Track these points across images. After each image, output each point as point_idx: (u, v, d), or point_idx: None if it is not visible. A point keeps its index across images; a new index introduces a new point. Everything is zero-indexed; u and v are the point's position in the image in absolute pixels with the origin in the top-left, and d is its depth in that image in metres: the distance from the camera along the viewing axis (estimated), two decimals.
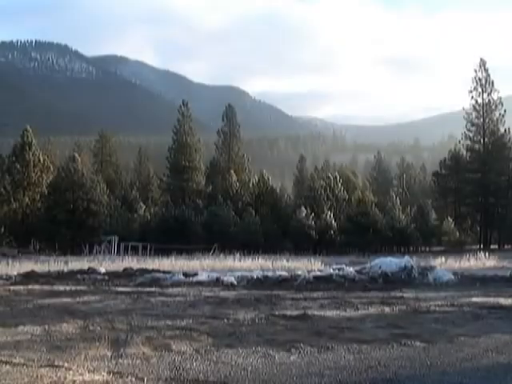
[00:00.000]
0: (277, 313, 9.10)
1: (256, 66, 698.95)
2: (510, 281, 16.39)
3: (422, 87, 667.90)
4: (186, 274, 16.92)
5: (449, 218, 65.17)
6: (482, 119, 66.77)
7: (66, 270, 19.12)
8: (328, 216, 61.32)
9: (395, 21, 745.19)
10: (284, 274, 17.06)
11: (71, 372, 5.11)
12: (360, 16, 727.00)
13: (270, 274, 17.16)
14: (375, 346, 6.59)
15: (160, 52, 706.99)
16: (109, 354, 5.88)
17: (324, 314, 9.11)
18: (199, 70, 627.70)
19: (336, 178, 68.23)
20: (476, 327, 7.98)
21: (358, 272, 17.31)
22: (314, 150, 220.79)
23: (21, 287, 13.52)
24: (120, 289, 13.42)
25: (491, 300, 11.21)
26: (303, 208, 60.40)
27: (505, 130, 66.24)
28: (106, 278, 16.72)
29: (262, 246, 50.38)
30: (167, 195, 68.27)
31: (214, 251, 43.51)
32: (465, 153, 69.08)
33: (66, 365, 5.38)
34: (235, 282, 15.27)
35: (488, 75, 66.32)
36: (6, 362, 5.42)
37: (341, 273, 17.05)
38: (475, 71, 66.38)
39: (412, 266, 16.73)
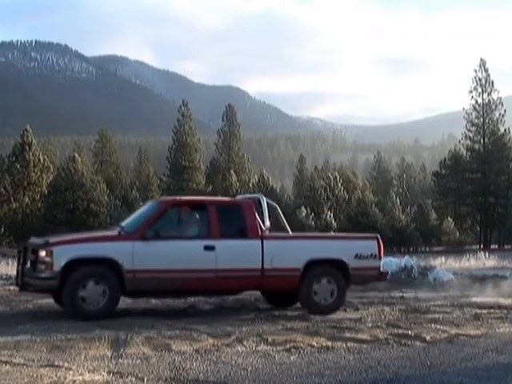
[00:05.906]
0: (277, 313, 9.10)
1: (256, 66, 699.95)
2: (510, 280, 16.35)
3: (422, 87, 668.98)
4: None
5: (449, 218, 65.21)
6: (481, 119, 66.85)
7: None
8: (328, 216, 61.29)
9: (395, 21, 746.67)
10: None
11: (71, 372, 5.11)
12: (360, 16, 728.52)
13: None
14: (375, 346, 6.59)
15: (160, 52, 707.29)
16: (109, 354, 5.88)
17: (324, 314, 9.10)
18: (199, 70, 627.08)
19: (336, 178, 68.13)
20: (476, 327, 7.98)
21: None
22: (314, 150, 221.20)
23: None
24: None
25: (491, 300, 11.21)
26: (303, 208, 60.32)
27: (505, 130, 66.32)
28: None
29: None
30: (167, 195, 68.17)
31: None
32: (465, 153, 69.16)
33: (65, 365, 5.37)
34: None
35: (488, 75, 66.43)
36: (6, 362, 5.42)
37: None
38: (475, 71, 66.53)
39: (412, 266, 16.68)
